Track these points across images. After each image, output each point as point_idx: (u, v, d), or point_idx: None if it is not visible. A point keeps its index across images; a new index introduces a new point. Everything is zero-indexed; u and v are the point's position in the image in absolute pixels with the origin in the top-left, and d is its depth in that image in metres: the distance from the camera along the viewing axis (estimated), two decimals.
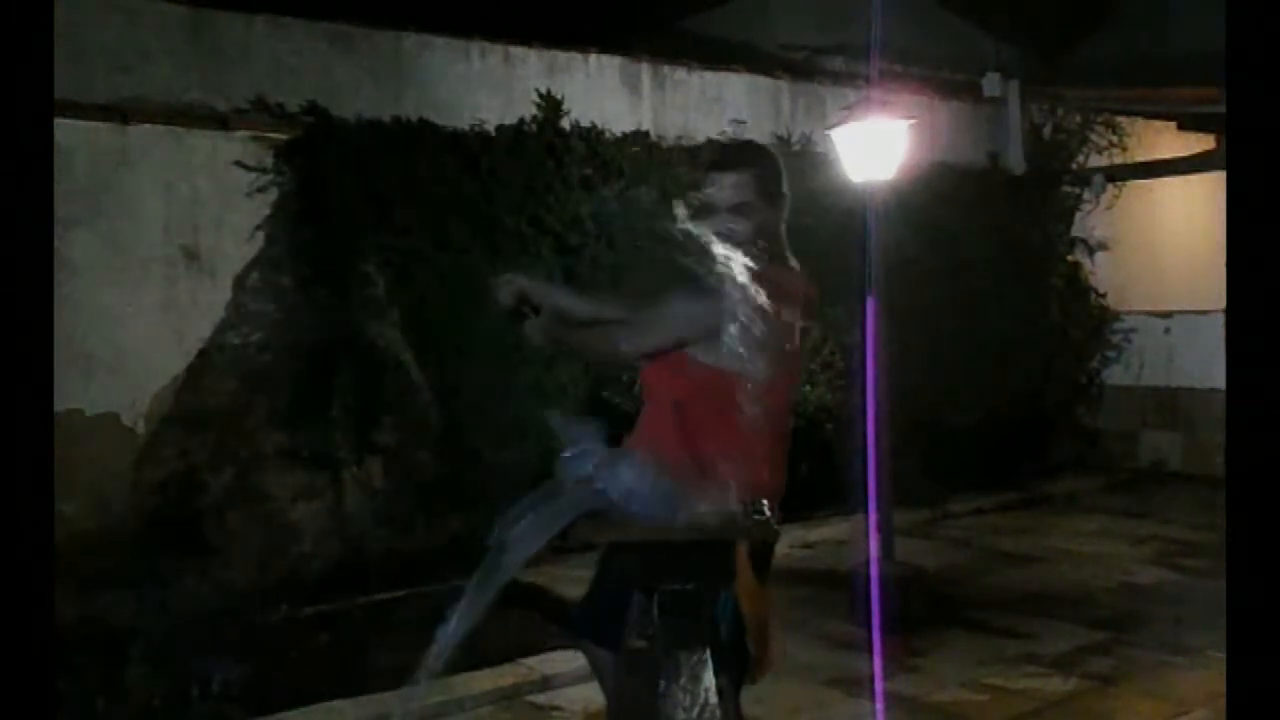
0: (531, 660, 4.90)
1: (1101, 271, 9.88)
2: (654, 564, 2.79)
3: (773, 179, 3.01)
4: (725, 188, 2.92)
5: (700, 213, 2.93)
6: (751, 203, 2.93)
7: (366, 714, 4.36)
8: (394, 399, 6.27)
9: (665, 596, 2.78)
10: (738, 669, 2.87)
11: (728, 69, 8.10)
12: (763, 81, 8.27)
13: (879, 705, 4.52)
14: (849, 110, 5.77)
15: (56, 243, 5.30)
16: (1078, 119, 9.90)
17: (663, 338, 2.87)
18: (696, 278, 2.77)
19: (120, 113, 5.72)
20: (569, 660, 4.91)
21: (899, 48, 8.21)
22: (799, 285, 3.04)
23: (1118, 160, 9.95)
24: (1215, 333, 7.53)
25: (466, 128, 6.69)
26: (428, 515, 6.39)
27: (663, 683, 2.74)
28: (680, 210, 2.89)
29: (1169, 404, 9.50)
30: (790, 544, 7.03)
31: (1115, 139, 10.00)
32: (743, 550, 2.81)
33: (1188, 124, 10.60)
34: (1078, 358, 9.70)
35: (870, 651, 4.90)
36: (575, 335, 3.07)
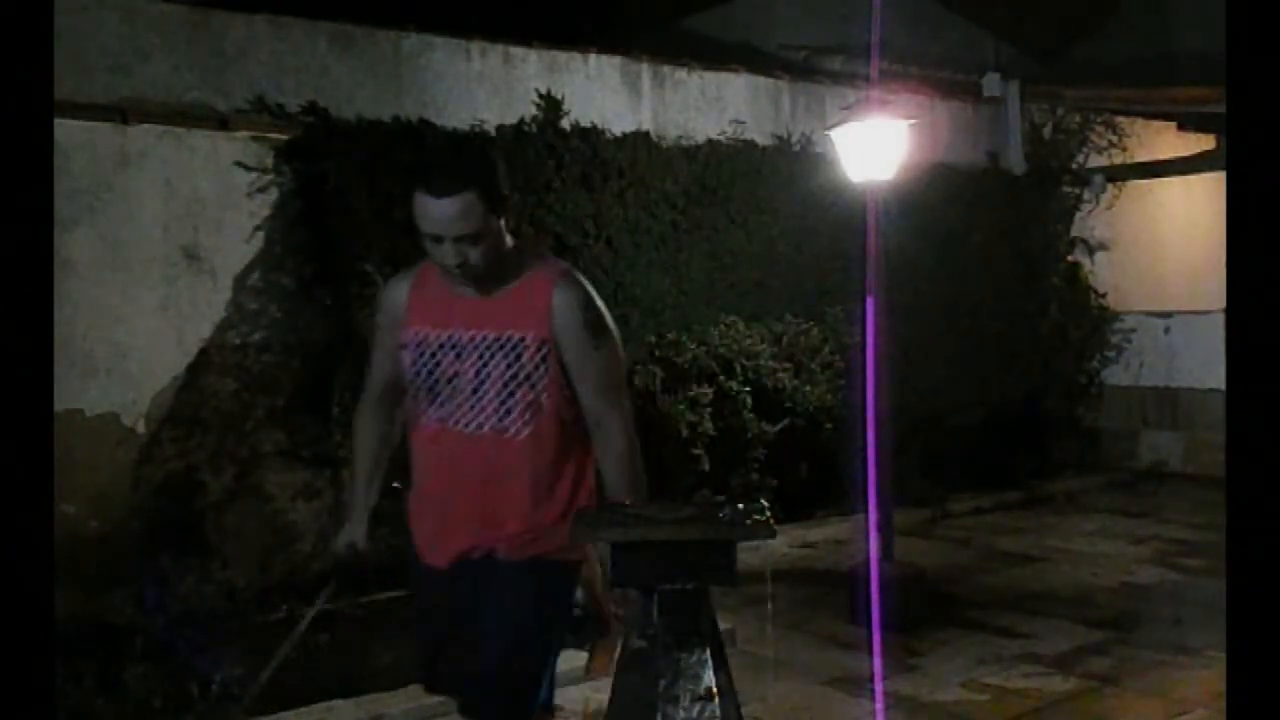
0: None
1: (1101, 271, 9.89)
2: (653, 564, 2.79)
3: (498, 186, 2.60)
4: (449, 217, 2.53)
5: (427, 241, 2.61)
6: (482, 229, 2.55)
7: (366, 714, 4.36)
8: None
9: (665, 596, 2.78)
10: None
11: (728, 69, 8.10)
12: (763, 81, 8.27)
13: (879, 705, 4.52)
14: (849, 110, 5.77)
15: (56, 243, 5.30)
16: (1078, 119, 9.90)
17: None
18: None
19: (120, 113, 5.71)
20: (568, 660, 4.90)
21: (899, 47, 8.22)
22: (522, 294, 2.65)
23: (1118, 160, 9.95)
24: (1215, 333, 7.52)
25: (466, 128, 6.69)
26: None
27: (663, 682, 2.74)
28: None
29: (1169, 404, 9.49)
30: (790, 544, 7.04)
31: (1115, 139, 10.00)
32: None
33: (1188, 124, 10.60)
34: (1078, 358, 9.69)
35: (870, 651, 4.90)
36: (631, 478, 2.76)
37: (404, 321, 2.74)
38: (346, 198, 6.15)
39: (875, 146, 5.54)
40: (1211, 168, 9.56)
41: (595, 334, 2.65)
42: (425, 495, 2.80)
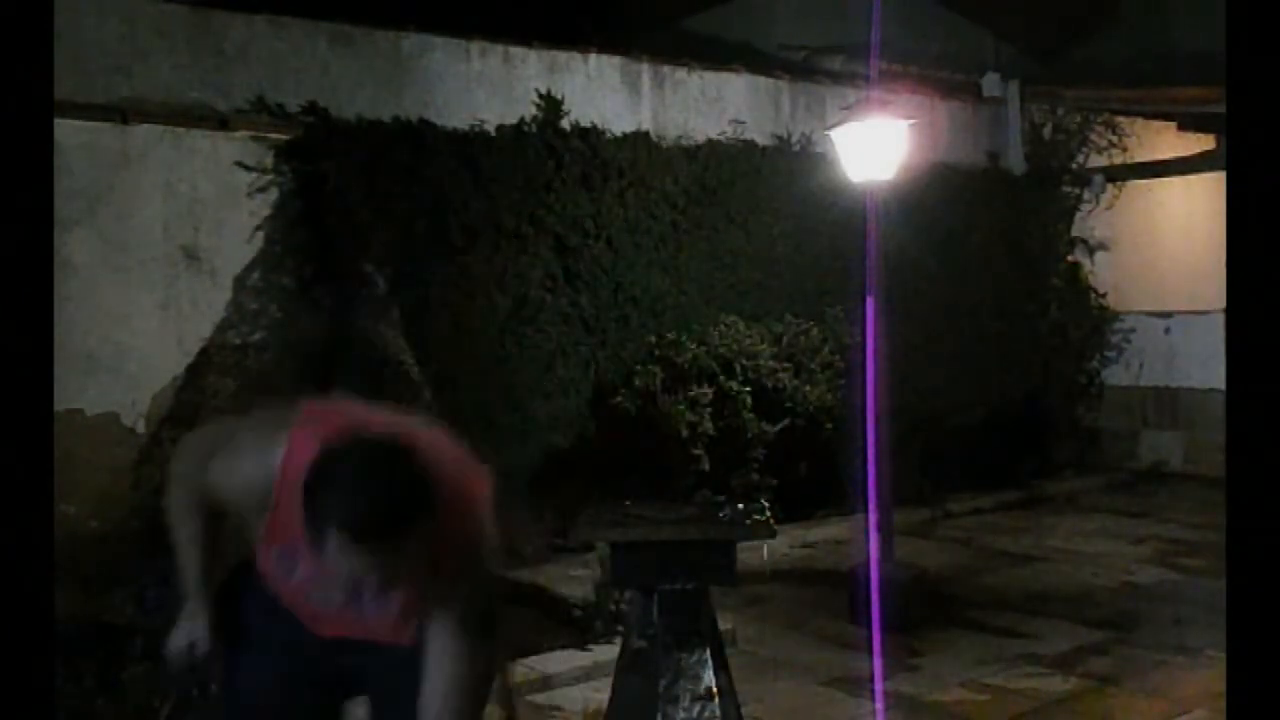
0: (531, 660, 4.90)
1: (1101, 271, 9.89)
2: (653, 564, 2.80)
3: (431, 509, 2.05)
4: (377, 564, 2.03)
5: (344, 578, 2.12)
6: (415, 565, 2.10)
7: (365, 713, 4.35)
8: (394, 398, 6.26)
9: (665, 596, 2.79)
10: None
11: (728, 69, 8.11)
12: (763, 81, 8.27)
13: (879, 705, 4.52)
14: (849, 110, 5.77)
15: (56, 243, 5.30)
16: (1078, 119, 9.90)
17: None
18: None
19: (120, 113, 5.72)
20: (569, 660, 4.91)
21: (899, 47, 8.22)
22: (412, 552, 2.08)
23: (1118, 160, 9.95)
24: (1215, 333, 7.52)
25: (466, 128, 6.69)
26: None
27: (663, 682, 2.75)
28: None
29: (1169, 404, 9.49)
30: (790, 544, 7.04)
31: (1115, 139, 10.00)
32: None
33: (1188, 124, 10.60)
34: (1078, 358, 9.69)
35: (870, 651, 4.90)
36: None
37: (264, 534, 2.35)
38: (346, 198, 6.15)
39: (875, 146, 5.54)
40: (1211, 168, 9.55)
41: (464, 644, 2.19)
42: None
